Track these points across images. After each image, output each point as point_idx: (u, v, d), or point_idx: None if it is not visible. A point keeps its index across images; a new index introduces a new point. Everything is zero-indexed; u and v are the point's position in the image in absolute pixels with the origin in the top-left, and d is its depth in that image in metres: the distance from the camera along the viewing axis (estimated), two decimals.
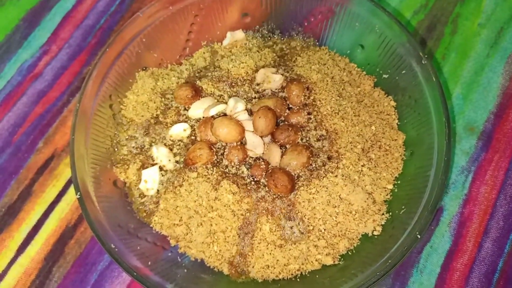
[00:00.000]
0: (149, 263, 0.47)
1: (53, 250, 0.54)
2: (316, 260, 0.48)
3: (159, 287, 0.45)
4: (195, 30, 0.57)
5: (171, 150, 0.52)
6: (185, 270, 0.49)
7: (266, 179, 0.49)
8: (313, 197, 0.48)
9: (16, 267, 0.53)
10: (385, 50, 0.54)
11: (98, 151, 0.50)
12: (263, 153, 0.51)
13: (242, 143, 0.51)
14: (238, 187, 0.48)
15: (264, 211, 0.48)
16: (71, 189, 0.56)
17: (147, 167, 0.51)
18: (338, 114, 0.51)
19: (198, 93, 0.53)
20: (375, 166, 0.51)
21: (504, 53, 0.61)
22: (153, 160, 0.52)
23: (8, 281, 0.53)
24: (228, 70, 0.54)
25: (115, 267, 0.53)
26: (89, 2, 0.65)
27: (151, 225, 0.50)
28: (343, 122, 0.51)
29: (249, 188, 0.49)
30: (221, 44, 0.59)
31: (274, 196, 0.49)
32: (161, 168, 0.51)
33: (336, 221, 0.48)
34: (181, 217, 0.49)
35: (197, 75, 0.56)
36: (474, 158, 0.56)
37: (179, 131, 0.52)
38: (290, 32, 0.59)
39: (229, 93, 0.53)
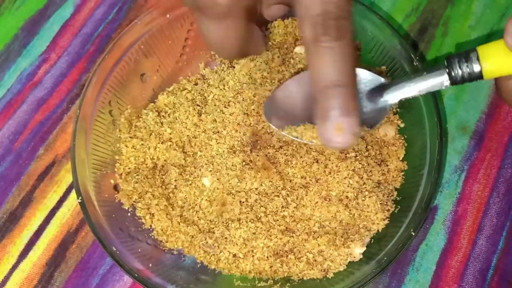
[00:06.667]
0: (150, 265, 0.48)
1: (54, 255, 0.54)
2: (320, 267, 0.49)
3: None
4: (192, 37, 0.58)
5: None
6: (186, 272, 0.50)
7: None
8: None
9: (18, 273, 0.54)
10: (377, 53, 0.55)
11: (98, 156, 0.51)
12: None
13: None
14: None
15: None
16: (72, 195, 0.57)
17: None
18: None
19: None
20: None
21: None
22: None
23: (10, 286, 0.53)
24: None
25: (117, 271, 0.54)
26: (87, 11, 0.65)
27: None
28: None
29: None
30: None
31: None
32: None
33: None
34: None
35: None
36: (467, 157, 0.58)
37: None
38: None
39: None
